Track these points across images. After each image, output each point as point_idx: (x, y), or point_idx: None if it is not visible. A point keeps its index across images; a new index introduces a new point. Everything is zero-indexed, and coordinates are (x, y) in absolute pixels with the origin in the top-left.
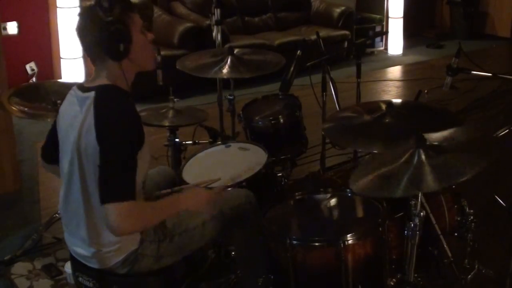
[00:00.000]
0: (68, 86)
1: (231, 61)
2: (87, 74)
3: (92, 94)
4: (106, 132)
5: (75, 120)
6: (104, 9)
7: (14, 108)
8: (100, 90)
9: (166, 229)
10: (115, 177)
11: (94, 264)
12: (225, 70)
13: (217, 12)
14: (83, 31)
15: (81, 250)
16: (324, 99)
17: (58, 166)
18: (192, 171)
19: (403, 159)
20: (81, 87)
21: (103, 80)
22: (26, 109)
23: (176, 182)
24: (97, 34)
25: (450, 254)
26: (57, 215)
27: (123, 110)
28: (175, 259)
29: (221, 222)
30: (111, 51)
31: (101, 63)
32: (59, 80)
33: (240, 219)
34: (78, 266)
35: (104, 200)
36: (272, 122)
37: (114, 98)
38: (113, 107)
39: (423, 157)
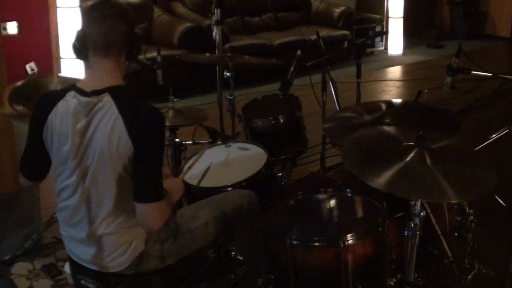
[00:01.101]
0: (68, 82)
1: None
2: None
3: (105, 96)
4: (145, 135)
5: (81, 125)
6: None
7: (15, 110)
8: (117, 92)
9: (169, 229)
10: (156, 178)
11: (99, 268)
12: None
13: (217, 12)
14: (114, 28)
15: (87, 255)
16: (324, 99)
17: (39, 181)
18: (192, 171)
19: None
20: (81, 91)
21: (112, 80)
22: (27, 110)
23: None
24: (127, 31)
25: (450, 254)
26: (56, 215)
27: (156, 112)
28: (178, 258)
29: (224, 223)
30: (135, 48)
31: (116, 61)
32: (59, 74)
33: (242, 219)
34: (79, 269)
35: (146, 200)
36: (272, 122)
37: (136, 98)
38: (144, 108)
39: (414, 158)
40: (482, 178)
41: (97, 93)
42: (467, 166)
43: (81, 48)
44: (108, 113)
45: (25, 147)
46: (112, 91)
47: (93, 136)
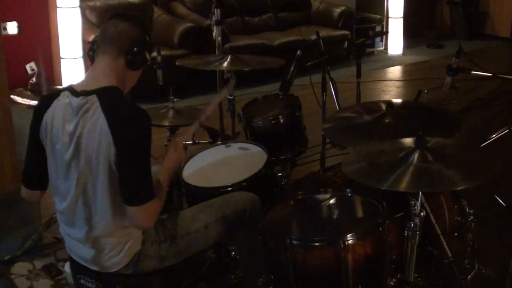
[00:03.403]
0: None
1: (231, 58)
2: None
3: (92, 98)
4: (127, 135)
5: (70, 126)
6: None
7: (22, 103)
8: (105, 93)
9: (167, 230)
10: (142, 179)
11: (98, 268)
12: (225, 64)
13: (217, 12)
14: (114, 26)
15: (86, 254)
16: (324, 99)
17: (41, 191)
18: (192, 171)
19: (400, 155)
20: (74, 91)
21: (105, 80)
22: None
23: (173, 181)
24: (129, 33)
25: (450, 254)
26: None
27: (139, 111)
28: (178, 260)
29: (225, 226)
30: (138, 55)
31: (112, 61)
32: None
33: (244, 223)
34: (79, 268)
35: (134, 202)
36: (272, 122)
37: (123, 99)
38: (127, 108)
39: (416, 158)
40: (487, 163)
41: (86, 93)
42: (470, 156)
43: (93, 54)
44: (95, 115)
45: (25, 155)
46: (100, 92)
47: (80, 138)
